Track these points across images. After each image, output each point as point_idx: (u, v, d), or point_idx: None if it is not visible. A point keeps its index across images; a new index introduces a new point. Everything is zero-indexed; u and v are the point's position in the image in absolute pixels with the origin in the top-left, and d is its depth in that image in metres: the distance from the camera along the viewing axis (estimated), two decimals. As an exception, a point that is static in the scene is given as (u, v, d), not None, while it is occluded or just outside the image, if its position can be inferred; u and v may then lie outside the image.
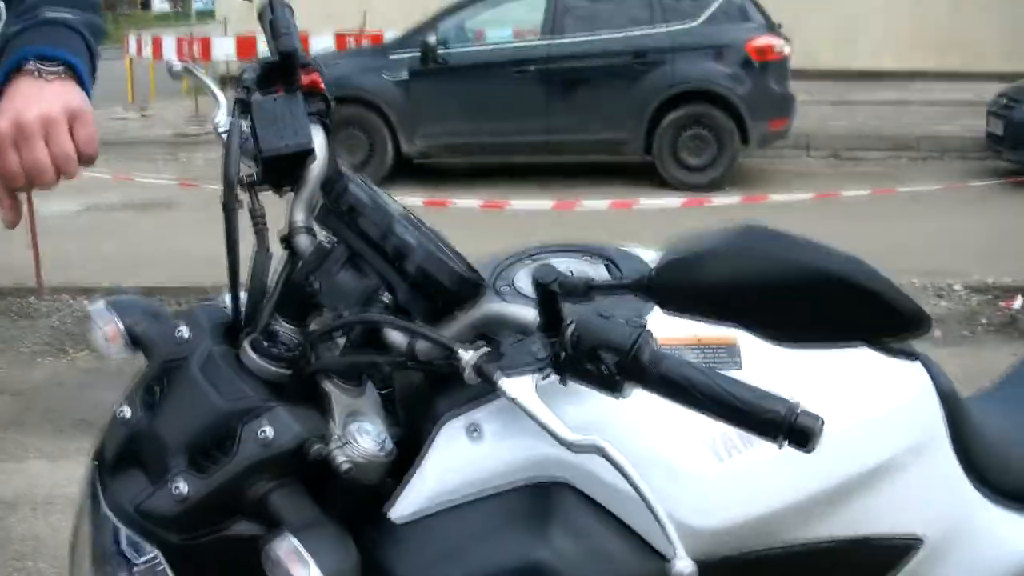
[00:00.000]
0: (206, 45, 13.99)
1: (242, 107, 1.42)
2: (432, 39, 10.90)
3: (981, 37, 16.49)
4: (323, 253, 1.37)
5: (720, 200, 8.09)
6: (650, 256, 1.49)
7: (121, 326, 1.46)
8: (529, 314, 1.28)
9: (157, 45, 15.50)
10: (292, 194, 1.45)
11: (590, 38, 10.95)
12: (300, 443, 1.27)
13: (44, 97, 1.47)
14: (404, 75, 11.03)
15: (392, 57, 11.19)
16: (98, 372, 5.74)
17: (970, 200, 9.59)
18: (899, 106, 14.32)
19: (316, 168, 1.44)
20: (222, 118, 1.52)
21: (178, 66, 1.64)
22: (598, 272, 1.46)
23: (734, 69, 10.78)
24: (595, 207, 6.85)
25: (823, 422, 1.08)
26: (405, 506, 1.31)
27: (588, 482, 1.30)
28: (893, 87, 15.61)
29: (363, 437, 1.29)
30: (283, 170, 1.43)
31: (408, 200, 8.72)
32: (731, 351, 1.38)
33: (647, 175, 10.86)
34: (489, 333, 1.33)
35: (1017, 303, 6.64)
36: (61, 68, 1.51)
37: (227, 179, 1.35)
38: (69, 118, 1.47)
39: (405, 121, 11.00)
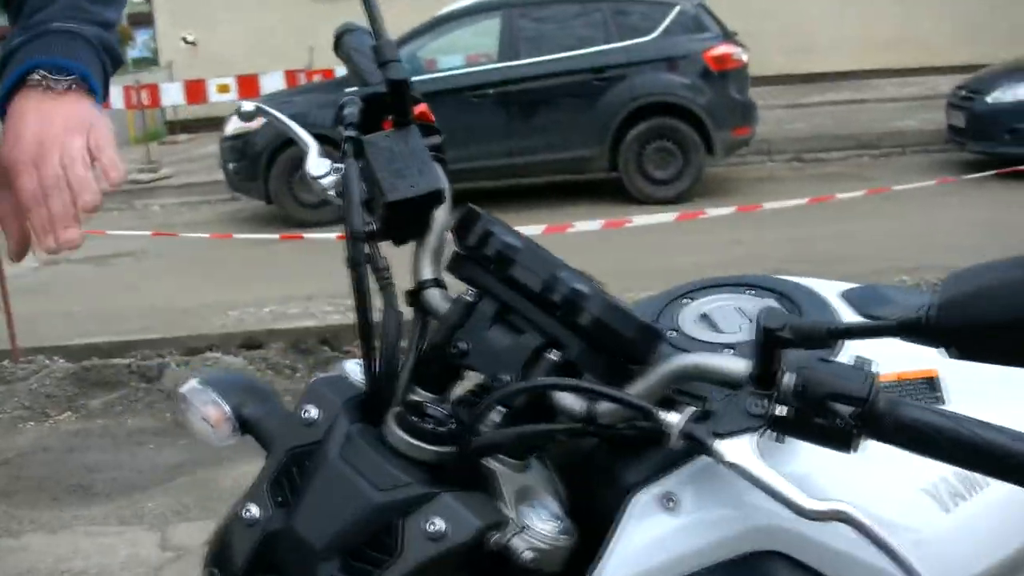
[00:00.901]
0: (154, 92, 13.70)
1: (356, 148, 1.24)
2: (386, 71, 10.69)
3: (931, 32, 16.53)
4: (466, 309, 1.20)
5: (714, 211, 7.98)
6: (832, 288, 1.33)
7: (227, 408, 1.28)
8: (739, 365, 1.09)
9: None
10: (414, 244, 1.28)
11: (547, 58, 10.85)
12: (479, 535, 1.09)
13: (58, 113, 1.28)
14: (360, 108, 10.84)
15: (348, 91, 10.98)
16: (85, 434, 5.54)
17: (956, 193, 9.54)
18: (855, 105, 14.32)
19: (442, 212, 1.27)
20: (316, 163, 1.34)
21: (249, 106, 1.46)
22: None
23: (693, 80, 10.71)
24: (587, 228, 6.71)
25: None
26: None
27: (804, 550, 1.14)
28: (847, 87, 15.60)
29: (542, 519, 1.12)
30: (407, 217, 1.25)
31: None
32: (932, 385, 1.23)
33: (610, 192, 10.79)
34: (684, 389, 1.15)
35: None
36: (72, 79, 1.31)
37: (353, 231, 1.17)
38: (88, 138, 1.29)
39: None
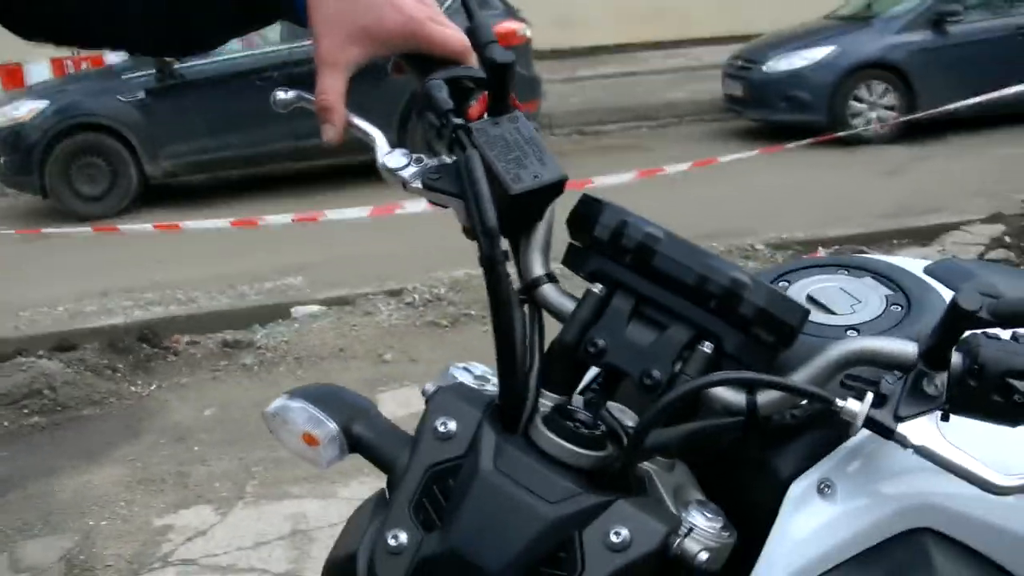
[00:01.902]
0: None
1: (468, 136, 1.16)
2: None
3: (689, 4, 17.03)
4: (599, 304, 1.14)
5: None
6: (916, 265, 1.33)
7: (333, 426, 1.18)
8: (909, 347, 1.07)
9: None
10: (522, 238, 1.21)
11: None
12: (664, 541, 1.04)
13: None
14: (141, 95, 10.54)
15: (125, 77, 10.68)
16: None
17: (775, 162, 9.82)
18: (625, 78, 14.64)
19: (554, 203, 1.20)
20: (390, 155, 1.24)
21: (288, 95, 1.34)
22: (867, 289, 1.29)
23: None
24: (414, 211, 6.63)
25: None
26: None
27: (958, 526, 1.13)
28: (615, 60, 15.94)
29: (707, 518, 1.07)
30: (525, 209, 1.18)
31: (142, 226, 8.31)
32: None
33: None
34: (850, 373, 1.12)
35: (820, 254, 6.84)
36: None
37: (487, 228, 1.08)
38: None
39: (147, 143, 10.48)
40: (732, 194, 8.68)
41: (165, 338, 6.28)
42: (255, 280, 7.57)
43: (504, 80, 1.19)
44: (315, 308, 6.84)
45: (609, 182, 7.16)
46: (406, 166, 1.22)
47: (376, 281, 7.09)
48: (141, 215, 10.14)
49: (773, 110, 11.14)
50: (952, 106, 8.57)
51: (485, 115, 1.21)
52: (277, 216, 7.67)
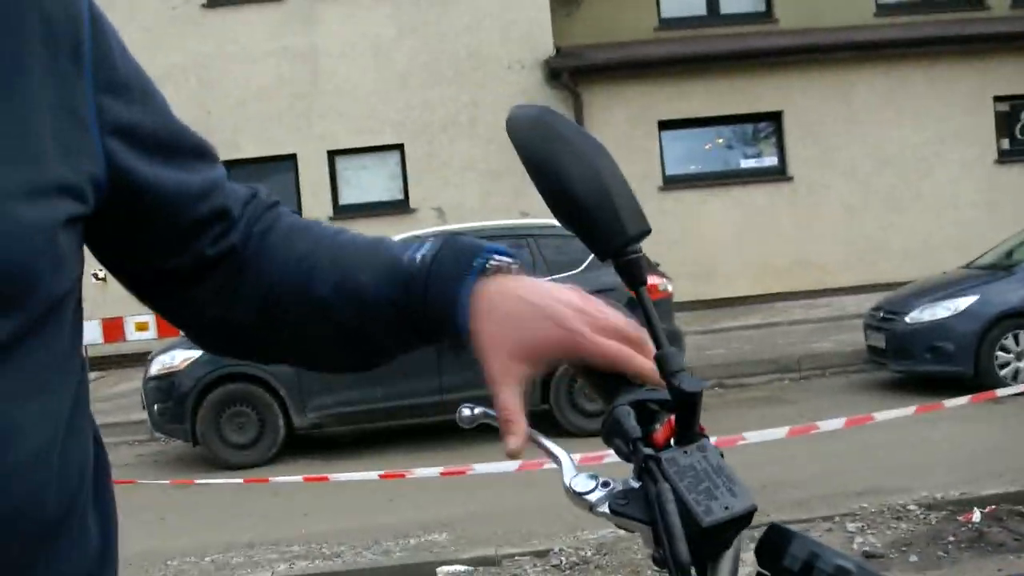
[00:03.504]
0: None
1: (658, 467, 1.19)
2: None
3: (826, 256, 17.16)
4: None
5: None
6: None
7: None
8: None
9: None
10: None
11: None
12: None
13: (554, 287, 1.26)
14: (290, 348, 10.80)
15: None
16: None
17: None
18: (766, 328, 14.65)
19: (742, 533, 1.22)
20: (577, 479, 1.26)
21: (476, 412, 1.39)
22: None
23: (621, 309, 10.83)
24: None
25: None
26: None
27: None
28: (755, 312, 16.01)
29: None
30: (715, 539, 1.20)
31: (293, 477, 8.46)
32: None
33: (541, 424, 10.73)
34: None
35: (976, 516, 6.63)
36: (517, 263, 1.28)
37: (678, 562, 1.10)
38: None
39: (295, 393, 10.73)
40: (883, 447, 8.52)
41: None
42: (399, 536, 7.57)
43: (693, 408, 1.23)
44: (460, 568, 6.79)
45: (760, 438, 7.10)
46: (593, 490, 1.25)
47: (520, 539, 7.05)
48: (288, 464, 10.33)
49: (917, 361, 11.01)
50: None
51: (671, 441, 1.24)
52: (426, 469, 7.73)
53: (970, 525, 6.57)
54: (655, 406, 1.25)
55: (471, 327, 1.24)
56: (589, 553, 6.69)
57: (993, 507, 6.80)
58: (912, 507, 6.94)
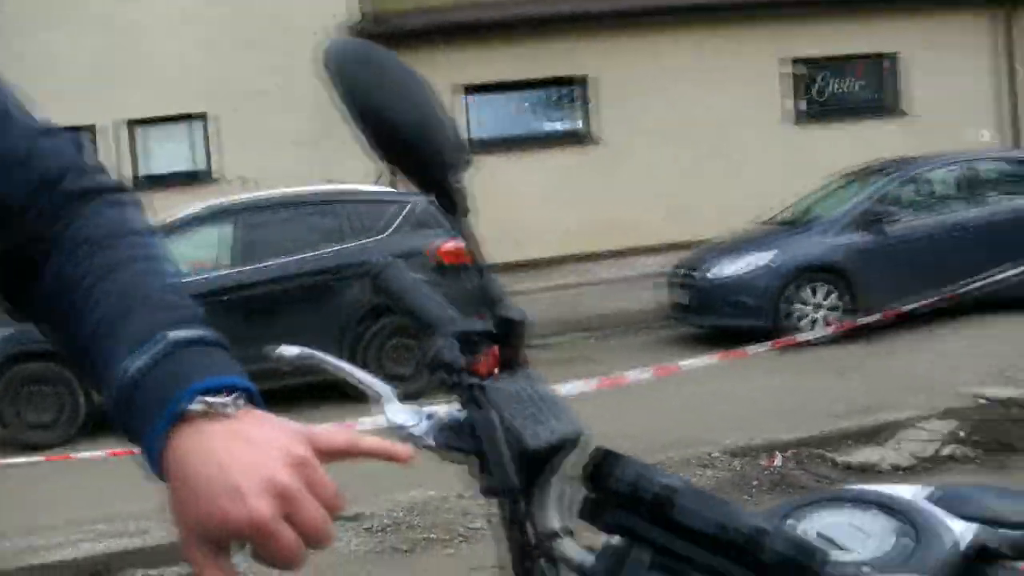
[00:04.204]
0: None
1: (483, 394, 1.17)
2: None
3: (632, 217, 17.43)
4: (618, 558, 1.13)
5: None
6: (920, 493, 1.34)
7: None
8: None
9: None
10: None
11: (283, 261, 10.96)
12: None
13: (264, 439, 1.00)
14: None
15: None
16: None
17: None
18: (572, 289, 14.83)
19: (572, 456, 1.20)
20: (400, 411, 1.23)
21: (292, 351, 1.33)
22: (875, 523, 1.30)
23: (427, 274, 10.82)
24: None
25: None
26: None
27: None
28: (560, 273, 16.18)
29: None
30: (543, 464, 1.18)
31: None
32: None
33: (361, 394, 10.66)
34: None
35: (777, 460, 6.86)
36: (241, 396, 1.03)
37: (508, 488, 1.08)
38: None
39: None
40: (691, 400, 8.74)
41: (119, 572, 6.12)
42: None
43: (518, 336, 1.21)
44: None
45: (570, 391, 7.18)
46: (417, 424, 1.22)
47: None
48: (91, 442, 9.98)
49: (719, 315, 11.34)
50: (907, 308, 8.74)
51: (496, 371, 1.22)
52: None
53: (773, 469, 6.80)
54: (478, 337, 1.23)
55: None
56: (401, 514, 6.67)
57: (795, 451, 7.05)
58: (717, 455, 7.14)
